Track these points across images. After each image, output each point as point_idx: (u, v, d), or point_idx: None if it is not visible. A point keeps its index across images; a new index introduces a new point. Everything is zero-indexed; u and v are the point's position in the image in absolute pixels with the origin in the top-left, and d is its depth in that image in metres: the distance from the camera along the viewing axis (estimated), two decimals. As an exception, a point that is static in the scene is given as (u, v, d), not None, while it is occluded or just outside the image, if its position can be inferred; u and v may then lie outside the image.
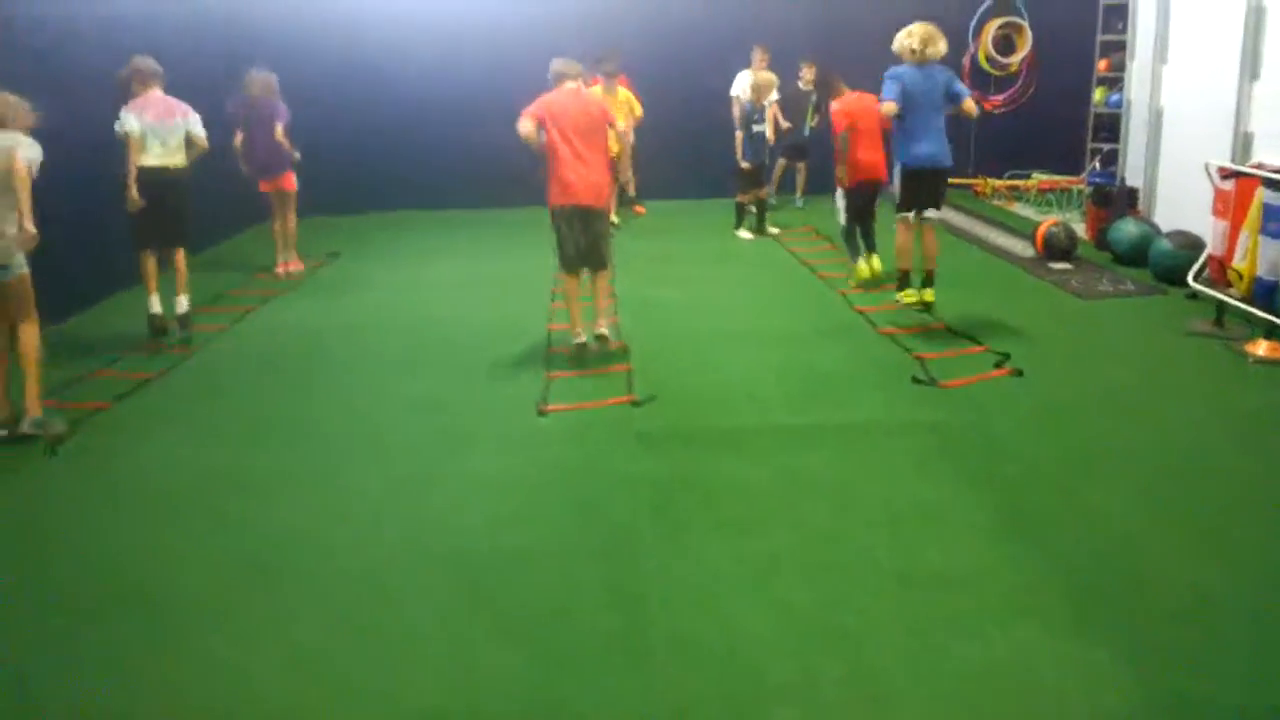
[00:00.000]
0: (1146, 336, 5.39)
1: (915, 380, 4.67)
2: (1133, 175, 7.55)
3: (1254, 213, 5.23)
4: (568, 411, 4.43)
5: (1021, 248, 7.39)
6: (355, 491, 3.70)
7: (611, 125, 5.10)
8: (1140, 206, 7.29)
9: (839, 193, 6.56)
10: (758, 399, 4.55)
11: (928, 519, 3.35)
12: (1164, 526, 3.26)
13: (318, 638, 2.77)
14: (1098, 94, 8.69)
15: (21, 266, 4.19)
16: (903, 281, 5.83)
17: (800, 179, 9.59)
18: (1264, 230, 5.16)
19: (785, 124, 9.06)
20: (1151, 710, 2.37)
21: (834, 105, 6.41)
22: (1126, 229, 6.79)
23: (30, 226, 3.99)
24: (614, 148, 5.49)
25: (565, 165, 4.91)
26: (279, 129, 6.99)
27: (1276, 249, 5.09)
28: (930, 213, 5.65)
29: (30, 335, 4.22)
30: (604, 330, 5.24)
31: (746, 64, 8.73)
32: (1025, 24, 9.32)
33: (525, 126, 4.85)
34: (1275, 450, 3.86)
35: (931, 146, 5.50)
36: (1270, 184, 5.10)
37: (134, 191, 5.45)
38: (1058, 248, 6.94)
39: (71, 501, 3.70)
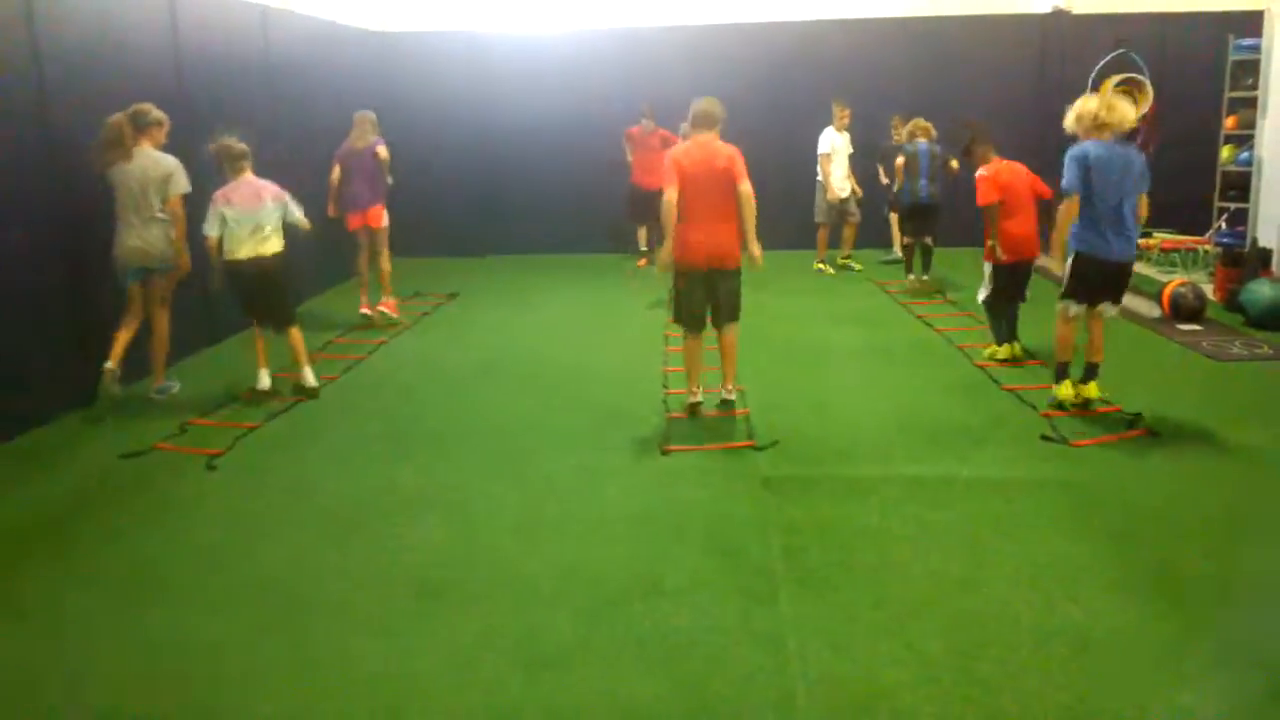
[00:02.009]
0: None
1: (1045, 438, 4.62)
2: (1264, 235, 7.29)
3: None
4: (690, 452, 4.55)
5: (1147, 308, 7.20)
6: (497, 518, 3.90)
7: (738, 181, 4.69)
8: (1273, 268, 7.03)
9: (987, 267, 5.92)
10: (881, 449, 4.57)
11: (1066, 575, 3.31)
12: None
13: (475, 650, 2.93)
14: (1225, 152, 8.45)
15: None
16: (1060, 374, 5.01)
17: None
18: None
19: (885, 180, 9.16)
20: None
21: (981, 173, 5.80)
22: (1261, 291, 6.55)
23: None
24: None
25: (689, 224, 4.70)
26: (381, 150, 6.93)
27: None
28: (1107, 308, 4.89)
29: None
30: (730, 395, 5.01)
31: (828, 120, 8.95)
32: (1146, 80, 9.16)
33: (670, 197, 4.63)
34: None
35: (1121, 240, 4.65)
36: None
37: (216, 282, 5.36)
38: (1186, 308, 6.74)
39: (229, 514, 4.02)
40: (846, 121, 8.96)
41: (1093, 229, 4.67)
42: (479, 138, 10.42)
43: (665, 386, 5.58)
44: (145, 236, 5.17)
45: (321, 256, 7.86)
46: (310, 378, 5.54)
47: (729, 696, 2.68)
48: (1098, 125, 4.61)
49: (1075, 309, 4.88)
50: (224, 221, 5.22)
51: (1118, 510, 3.83)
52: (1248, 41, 8.23)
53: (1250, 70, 7.83)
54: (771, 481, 4.20)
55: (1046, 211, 5.61)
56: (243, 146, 5.35)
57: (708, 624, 3.05)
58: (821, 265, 9.35)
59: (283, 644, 3.00)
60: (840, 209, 9.08)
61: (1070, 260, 4.80)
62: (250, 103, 7.33)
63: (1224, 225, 8.59)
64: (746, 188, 4.69)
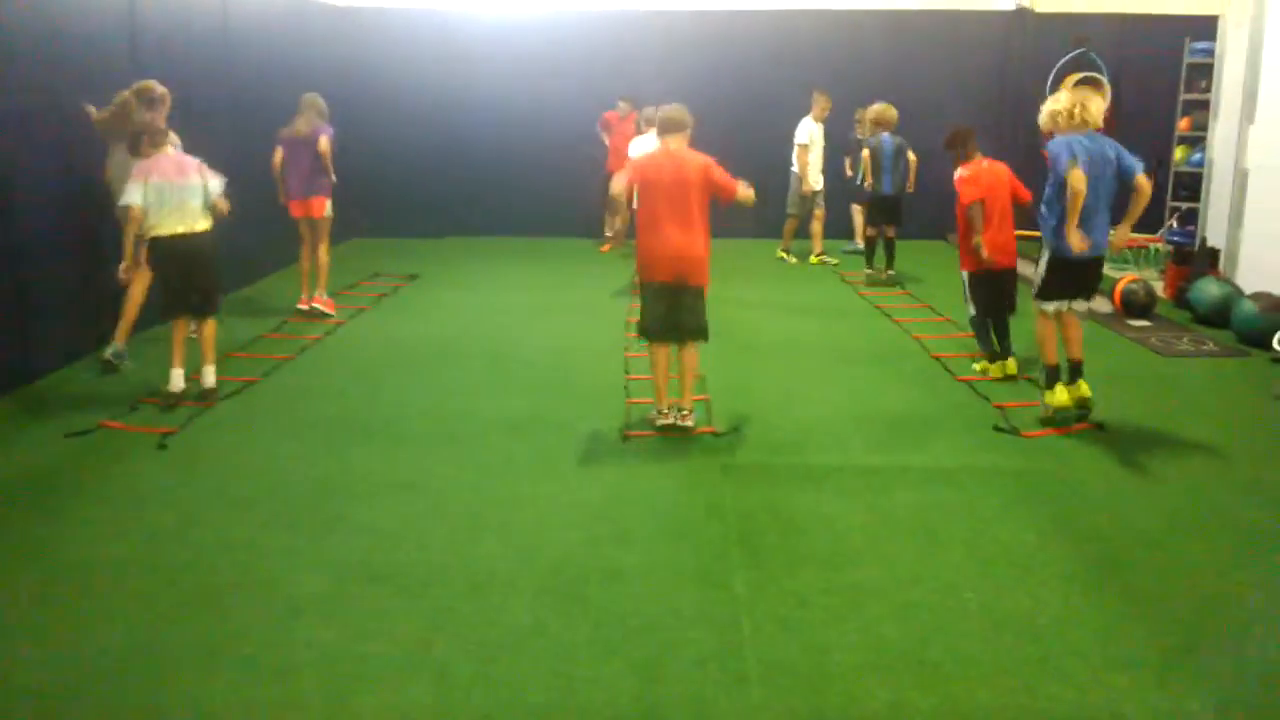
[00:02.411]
0: (1231, 397, 5.34)
1: (997, 429, 4.70)
2: (1214, 235, 7.48)
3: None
4: (651, 438, 4.55)
5: (1098, 303, 7.33)
6: (452, 501, 3.87)
7: (724, 191, 4.38)
8: (1221, 267, 7.22)
9: (963, 277, 5.63)
10: (839, 438, 4.62)
11: (1015, 563, 3.37)
12: (1260, 588, 3.24)
13: (423, 635, 2.90)
14: (1178, 153, 8.64)
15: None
16: (1050, 379, 4.80)
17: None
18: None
19: (850, 173, 9.22)
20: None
21: (960, 174, 5.45)
22: (1208, 289, 6.73)
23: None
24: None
25: (652, 235, 4.42)
26: (322, 141, 6.52)
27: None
28: (1079, 304, 4.80)
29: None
30: (684, 420, 4.57)
31: (796, 110, 8.97)
32: (1104, 80, 9.34)
33: (617, 186, 4.53)
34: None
35: (1096, 234, 4.55)
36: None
37: (126, 266, 4.93)
38: (1136, 305, 6.90)
39: (182, 495, 3.93)
40: (826, 113, 8.95)
41: (1065, 222, 4.48)
42: (445, 117, 10.27)
43: (626, 371, 5.58)
44: None
45: (271, 239, 7.67)
46: (210, 378, 5.04)
47: (683, 679, 2.69)
48: (1073, 122, 4.52)
49: (1053, 306, 4.78)
50: (146, 194, 4.80)
51: (1066, 500, 3.91)
52: (1202, 45, 8.42)
53: (1204, 73, 8.03)
54: (730, 468, 4.21)
55: (1026, 216, 5.44)
56: (158, 121, 5.17)
57: (663, 607, 3.06)
58: (784, 254, 9.41)
59: (226, 628, 2.94)
60: (811, 201, 9.09)
61: (1044, 262, 4.72)
62: (208, 79, 7.14)
63: (1175, 224, 8.80)
64: (745, 191, 4.41)
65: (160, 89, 5.36)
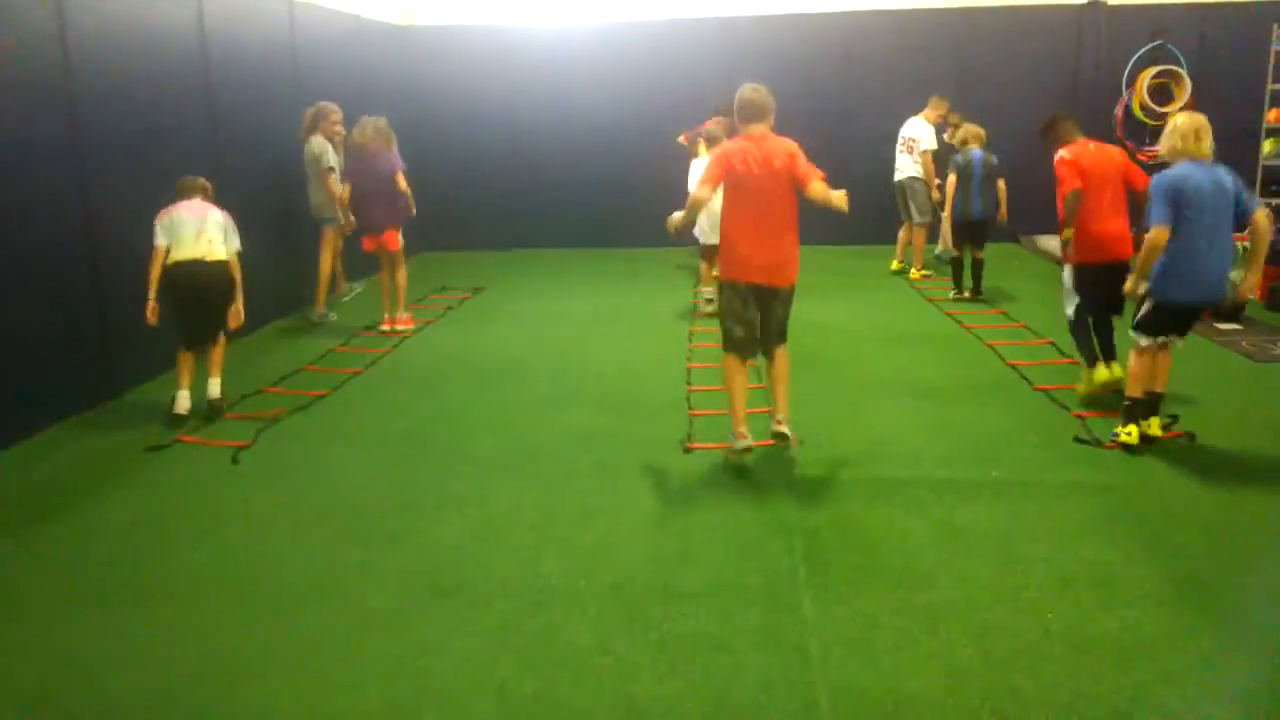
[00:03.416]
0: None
1: (1078, 440, 4.50)
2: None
3: None
4: (713, 450, 4.49)
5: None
6: (516, 516, 3.87)
7: (803, 181, 4.07)
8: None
9: (1066, 272, 5.09)
10: (910, 451, 4.48)
11: (1099, 583, 3.21)
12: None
13: (487, 651, 2.90)
14: (1267, 146, 8.20)
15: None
16: (1129, 414, 4.40)
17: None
18: None
19: (937, 183, 8.28)
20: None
21: (1061, 154, 4.96)
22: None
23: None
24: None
25: (741, 235, 4.15)
26: (401, 180, 6.64)
27: None
28: (1177, 340, 4.43)
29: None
30: (783, 428, 4.28)
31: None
32: (1183, 72, 8.95)
33: (703, 193, 4.10)
34: None
35: (1210, 277, 4.19)
36: None
37: (152, 302, 4.92)
38: (1225, 307, 6.54)
39: (255, 508, 4.02)
40: (941, 119, 8.42)
41: (1177, 262, 4.17)
42: (507, 131, 10.39)
43: (689, 383, 5.52)
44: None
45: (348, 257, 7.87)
46: (216, 389, 5.08)
47: (749, 702, 2.62)
48: (1186, 151, 4.23)
49: (1148, 342, 4.38)
50: (168, 230, 4.95)
51: (1154, 517, 3.71)
52: (1293, 32, 7.98)
53: (1295, 63, 7.62)
54: (795, 482, 4.12)
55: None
56: (203, 181, 5.26)
57: (728, 628, 2.99)
58: (900, 265, 8.64)
59: (296, 638, 2.99)
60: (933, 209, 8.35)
61: (1149, 303, 4.34)
62: (277, 98, 7.36)
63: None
64: (820, 187, 4.05)
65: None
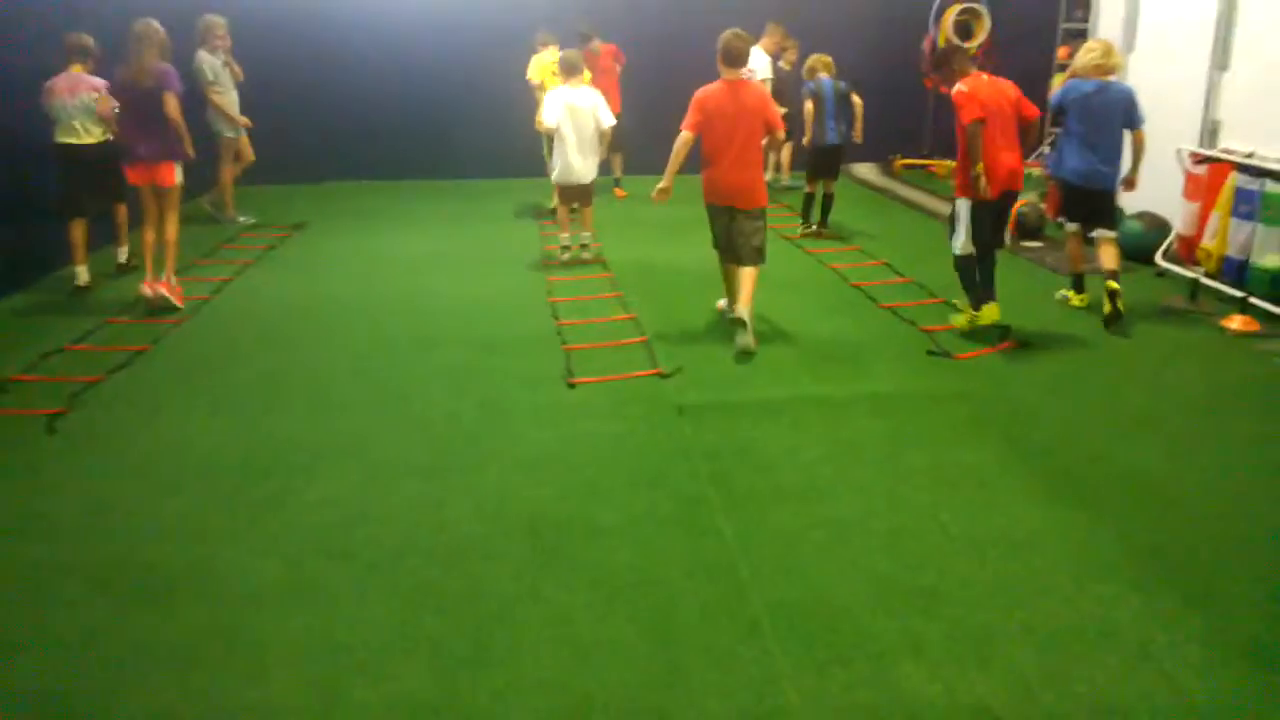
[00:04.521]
0: (1128, 310, 5.66)
1: (930, 353, 4.82)
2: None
3: (1225, 196, 5.57)
4: (597, 384, 4.39)
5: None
6: (402, 466, 3.60)
7: (773, 125, 4.81)
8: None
9: (958, 205, 5.05)
10: (782, 370, 4.61)
11: (981, 484, 3.47)
12: (1199, 485, 3.47)
13: (406, 614, 2.69)
14: (1056, 80, 9.00)
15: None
16: (1078, 285, 5.57)
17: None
18: (1235, 212, 5.50)
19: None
20: (1230, 656, 2.53)
21: (959, 87, 4.92)
22: (1094, 210, 7.11)
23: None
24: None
25: (715, 167, 4.81)
26: (171, 104, 5.33)
27: (1246, 230, 5.43)
28: (1101, 232, 5.27)
29: None
30: (741, 314, 4.81)
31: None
32: (984, 10, 9.60)
33: (686, 139, 4.76)
34: (1273, 407, 4.15)
35: (1086, 163, 5.14)
36: (1243, 169, 5.43)
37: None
38: (1029, 226, 7.22)
39: (88, 482, 3.48)
40: (778, 49, 8.45)
41: (1066, 150, 5.28)
42: (316, 49, 9.41)
43: (556, 317, 5.36)
44: None
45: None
46: (124, 255, 6.34)
47: (695, 632, 2.61)
48: (1096, 68, 5.20)
49: (1073, 228, 5.38)
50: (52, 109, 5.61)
51: (1011, 419, 4.05)
52: (1081, -24, 8.72)
53: (1082, 3, 8.35)
54: (685, 409, 4.12)
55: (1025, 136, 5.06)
56: (78, 41, 5.69)
57: (655, 559, 2.96)
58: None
59: (178, 628, 2.63)
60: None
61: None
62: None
63: (1047, 149, 9.23)
64: (782, 135, 4.99)
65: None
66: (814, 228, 7.47)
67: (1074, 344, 5.01)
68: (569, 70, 6.26)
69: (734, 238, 4.90)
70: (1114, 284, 5.10)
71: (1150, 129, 6.83)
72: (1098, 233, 5.32)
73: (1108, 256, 5.24)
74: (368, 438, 3.84)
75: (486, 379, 4.47)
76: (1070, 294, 5.65)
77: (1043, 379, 4.51)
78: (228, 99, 7.57)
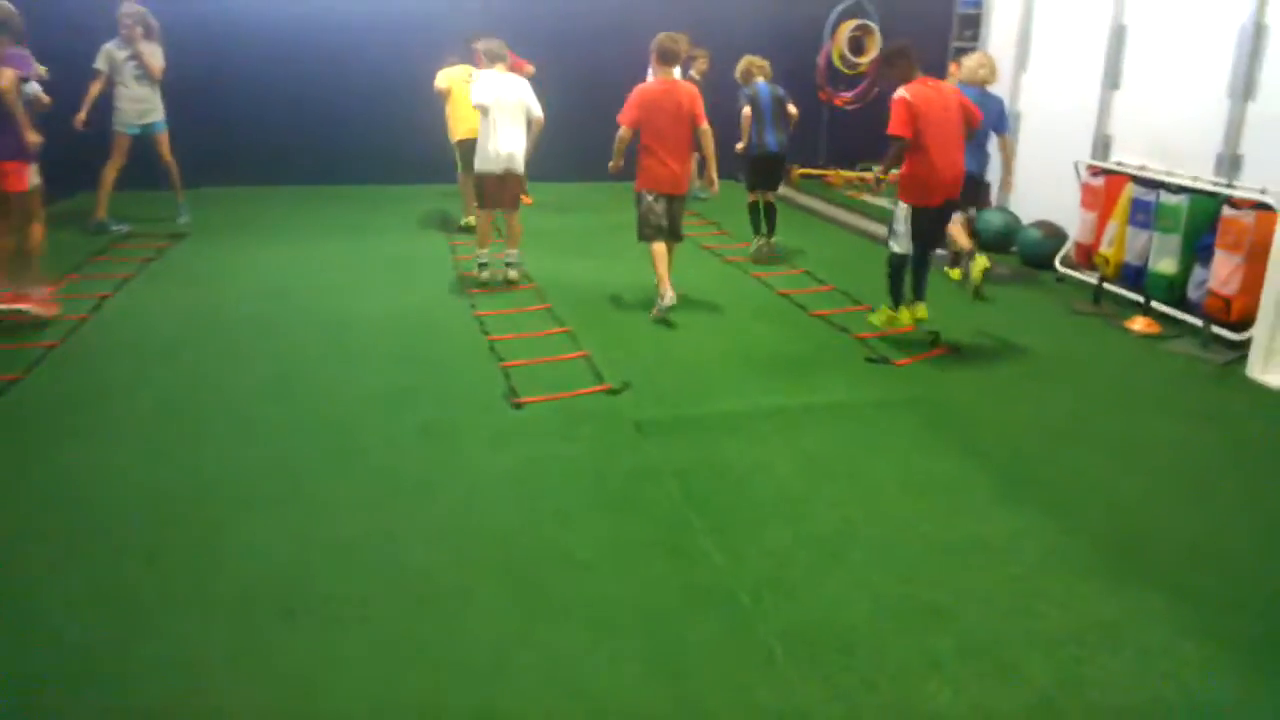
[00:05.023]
0: (1039, 314, 5.92)
1: (869, 360, 4.85)
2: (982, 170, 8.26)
3: (1123, 205, 5.90)
4: (544, 402, 4.16)
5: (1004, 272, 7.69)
6: (346, 504, 3.25)
7: (699, 119, 5.34)
8: (994, 200, 7.99)
9: (899, 209, 5.04)
10: (730, 382, 4.51)
11: (947, 490, 3.47)
12: (1138, 478, 3.60)
13: (385, 674, 2.39)
14: (948, 97, 9.43)
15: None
16: (954, 261, 6.31)
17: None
18: (1132, 221, 5.84)
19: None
20: (1221, 649, 2.59)
21: (900, 92, 4.81)
22: (992, 219, 7.44)
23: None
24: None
25: (654, 158, 5.32)
26: (4, 77, 4.58)
27: (1143, 237, 5.78)
28: (969, 212, 6.09)
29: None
30: (670, 300, 5.35)
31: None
32: (875, 27, 9.94)
33: (625, 134, 5.29)
34: (1187, 405, 4.39)
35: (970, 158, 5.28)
36: (1140, 181, 5.78)
37: None
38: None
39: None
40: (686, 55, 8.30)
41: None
42: (222, 44, 8.65)
43: (485, 332, 5.07)
44: None
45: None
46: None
47: (708, 668, 2.44)
48: (981, 80, 6.03)
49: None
50: None
51: (960, 423, 4.10)
52: (973, -1, 9.14)
53: (971, 23, 8.76)
54: (643, 425, 3.96)
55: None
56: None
57: (649, 590, 2.78)
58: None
59: (126, 704, 2.23)
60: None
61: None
62: None
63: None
64: (707, 127, 5.40)
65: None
66: (764, 239, 6.99)
67: (999, 347, 5.17)
68: (494, 58, 5.89)
69: (674, 220, 5.52)
70: (982, 258, 5.37)
71: (1045, 141, 7.25)
72: (968, 213, 6.12)
73: (967, 234, 5.97)
74: (299, 470, 3.46)
75: (422, 400, 4.16)
76: (953, 272, 6.36)
77: (978, 383, 4.61)
78: (91, 92, 6.93)
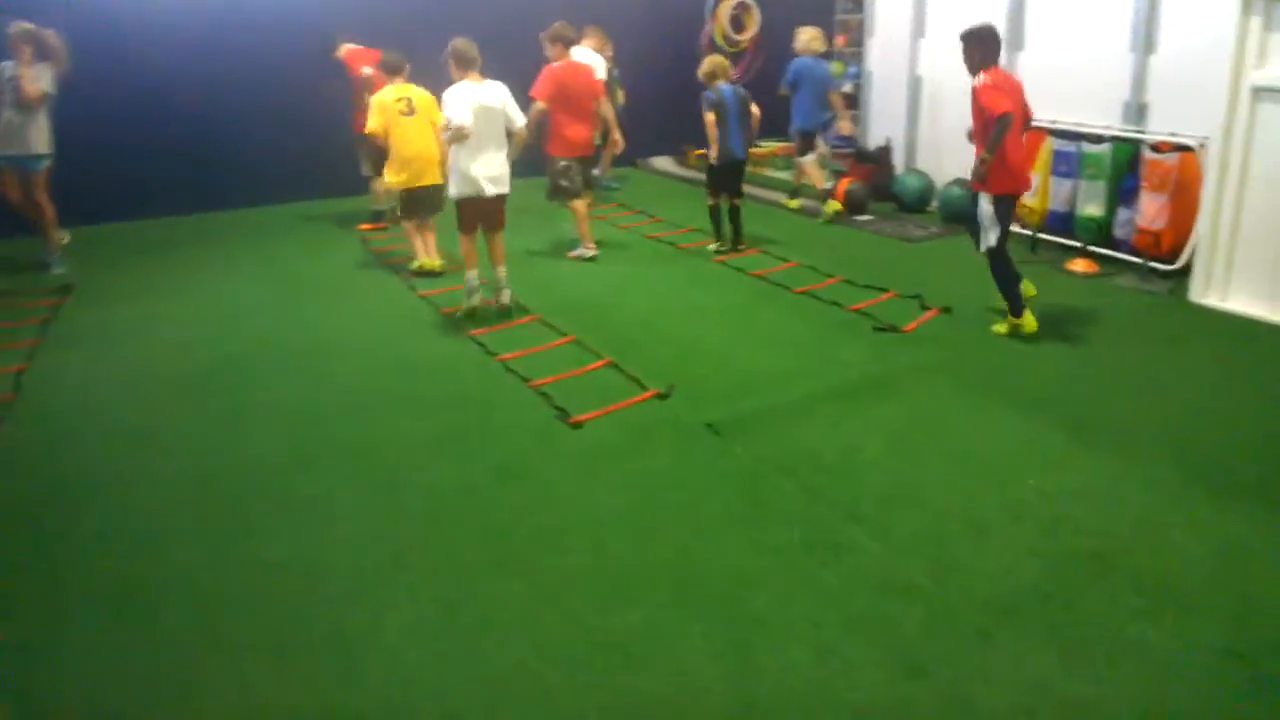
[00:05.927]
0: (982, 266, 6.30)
1: (878, 330, 4.99)
2: (880, 136, 8.66)
3: (1044, 158, 6.39)
4: (602, 417, 4.00)
5: (815, 205, 8.04)
6: (475, 564, 3.00)
7: (597, 93, 6.55)
8: (894, 163, 8.42)
9: (984, 202, 4.75)
10: (762, 370, 4.52)
11: (1031, 445, 3.66)
12: (1175, 409, 3.95)
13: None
14: (835, 68, 9.77)
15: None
16: (794, 195, 8.08)
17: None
18: (1055, 172, 6.33)
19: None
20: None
21: (983, 80, 4.60)
22: (911, 181, 7.85)
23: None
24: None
25: (572, 125, 6.33)
26: None
27: (1067, 186, 6.28)
28: (820, 152, 7.87)
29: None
30: (593, 251, 6.62)
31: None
32: (753, 4, 10.14)
33: (540, 106, 6.14)
34: (1164, 331, 4.85)
35: (816, 113, 7.64)
36: (1058, 134, 6.26)
37: None
38: (858, 201, 7.79)
39: None
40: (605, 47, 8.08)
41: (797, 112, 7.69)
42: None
43: (490, 354, 4.78)
44: None
45: None
46: None
47: (940, 654, 2.46)
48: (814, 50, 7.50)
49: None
50: None
51: (1001, 380, 4.31)
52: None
53: (852, -3, 9.15)
54: (716, 427, 3.89)
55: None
56: None
57: (837, 594, 2.75)
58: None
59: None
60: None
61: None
62: None
63: (839, 131, 9.98)
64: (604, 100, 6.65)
65: None
66: (727, 244, 6.77)
67: (974, 304, 5.35)
68: (466, 63, 5.12)
69: (587, 178, 6.61)
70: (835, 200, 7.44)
71: (954, 106, 7.66)
72: (819, 151, 7.80)
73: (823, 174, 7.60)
74: (381, 537, 3.14)
75: (475, 439, 3.86)
76: (791, 202, 8.12)
77: (981, 339, 4.86)
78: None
